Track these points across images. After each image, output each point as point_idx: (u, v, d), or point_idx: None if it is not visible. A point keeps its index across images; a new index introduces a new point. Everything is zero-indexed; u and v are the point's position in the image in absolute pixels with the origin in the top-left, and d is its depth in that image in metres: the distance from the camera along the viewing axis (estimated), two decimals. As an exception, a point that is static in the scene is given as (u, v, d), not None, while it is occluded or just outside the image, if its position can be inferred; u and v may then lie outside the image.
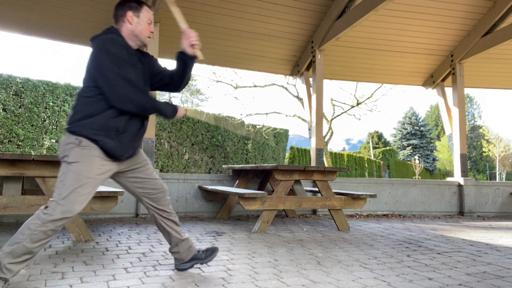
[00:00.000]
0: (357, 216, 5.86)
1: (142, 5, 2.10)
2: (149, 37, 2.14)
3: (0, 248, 1.87)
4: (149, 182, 2.21)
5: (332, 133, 18.02)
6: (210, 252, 2.38)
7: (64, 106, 10.45)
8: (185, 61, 2.20)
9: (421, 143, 41.85)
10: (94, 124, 1.93)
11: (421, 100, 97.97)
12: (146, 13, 2.10)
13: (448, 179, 7.16)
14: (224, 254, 2.88)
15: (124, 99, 1.94)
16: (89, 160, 1.91)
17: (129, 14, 2.06)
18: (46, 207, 1.87)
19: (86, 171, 1.91)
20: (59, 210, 1.84)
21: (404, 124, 43.57)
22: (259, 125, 16.70)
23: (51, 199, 1.89)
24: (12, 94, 9.57)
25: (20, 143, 9.54)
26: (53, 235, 1.87)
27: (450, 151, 7.30)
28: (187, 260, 2.34)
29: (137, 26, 2.08)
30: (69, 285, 2.03)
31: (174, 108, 2.13)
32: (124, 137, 2.01)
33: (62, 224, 1.88)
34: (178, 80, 2.25)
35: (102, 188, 3.50)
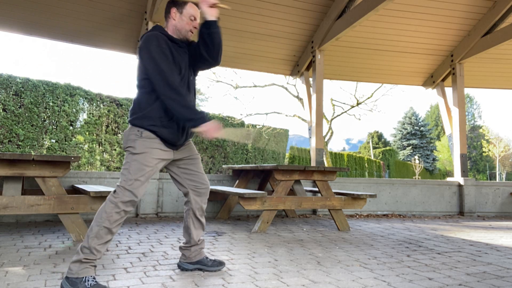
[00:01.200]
0: (357, 216, 5.86)
1: (187, 2, 2.21)
2: (191, 32, 2.26)
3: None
4: (198, 176, 2.36)
5: (332, 133, 18.03)
6: (217, 264, 2.42)
7: (64, 106, 10.45)
8: (210, 30, 2.18)
9: (421, 143, 41.85)
10: (150, 116, 2.10)
11: (421, 100, 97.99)
12: (189, 9, 2.21)
13: (448, 179, 7.16)
14: (224, 254, 2.88)
15: (161, 93, 2.08)
16: (151, 151, 2.11)
17: (173, 10, 2.21)
18: (115, 191, 2.06)
19: (148, 161, 2.10)
20: (127, 194, 2.04)
21: (404, 124, 43.58)
22: (259, 125, 16.70)
23: (117, 184, 2.08)
24: (12, 94, 9.57)
25: (20, 143, 9.54)
26: (125, 216, 2.07)
27: (450, 151, 7.30)
28: (193, 262, 2.39)
29: (179, 22, 2.21)
30: (69, 285, 2.03)
31: (202, 116, 2.08)
32: (175, 124, 2.16)
33: (131, 205, 2.06)
34: (212, 52, 2.24)
35: (102, 188, 3.50)
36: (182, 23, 2.21)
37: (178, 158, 2.32)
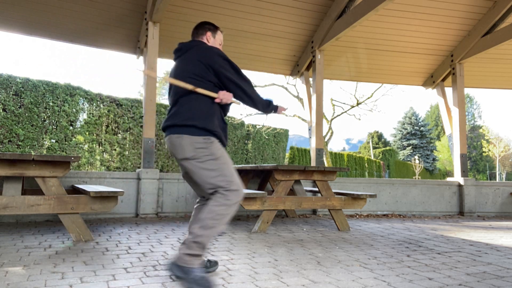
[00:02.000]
0: (357, 216, 5.86)
1: (218, 29, 2.47)
2: None
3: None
4: None
5: (332, 133, 18.03)
6: (214, 263, 2.42)
7: (64, 106, 10.45)
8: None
9: (421, 143, 41.87)
10: (213, 121, 2.22)
11: (421, 100, 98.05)
12: (219, 36, 2.47)
13: (448, 179, 7.16)
14: (224, 254, 2.88)
15: (251, 95, 2.33)
16: (223, 150, 2.26)
17: (208, 34, 2.42)
18: (223, 196, 2.11)
19: (227, 158, 2.24)
20: (237, 194, 2.15)
21: (404, 124, 43.58)
22: (259, 125, 16.70)
23: (221, 192, 2.11)
24: (12, 94, 9.57)
25: (20, 143, 9.55)
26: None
27: (450, 151, 7.30)
28: None
29: (213, 44, 2.42)
30: (69, 285, 2.03)
31: (270, 101, 2.47)
32: (224, 126, 2.35)
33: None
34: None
35: (102, 188, 3.51)
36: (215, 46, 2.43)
37: None
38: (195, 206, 2.44)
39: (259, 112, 2.30)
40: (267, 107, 2.43)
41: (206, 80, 2.21)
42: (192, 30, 2.47)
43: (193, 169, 2.15)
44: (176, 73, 2.29)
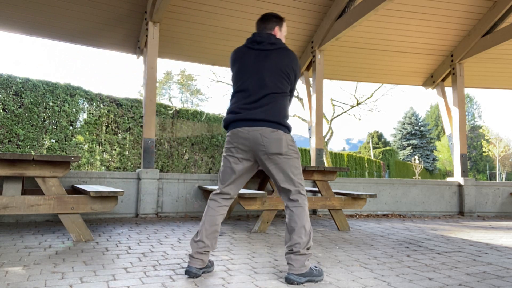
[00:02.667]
0: (357, 216, 5.86)
1: (283, 21, 2.51)
2: None
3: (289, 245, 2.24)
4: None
5: (332, 133, 18.04)
6: (211, 263, 2.41)
7: (64, 106, 10.45)
8: None
9: (421, 143, 41.86)
10: (289, 119, 2.37)
11: (421, 100, 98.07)
12: (285, 28, 2.52)
13: (448, 179, 7.16)
14: (224, 254, 2.88)
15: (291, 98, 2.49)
16: None
17: (277, 28, 2.46)
18: (302, 196, 2.28)
19: None
20: (305, 193, 2.33)
21: (404, 124, 43.59)
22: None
23: (300, 191, 2.27)
24: (12, 94, 9.57)
25: (20, 143, 9.55)
26: None
27: (450, 151, 7.30)
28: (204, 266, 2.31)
29: (280, 37, 2.48)
30: (69, 285, 2.03)
31: None
32: None
33: None
34: None
35: (102, 188, 3.51)
36: (282, 39, 2.50)
37: None
38: (213, 206, 2.33)
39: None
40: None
41: (288, 84, 2.35)
42: (258, 20, 2.48)
43: (281, 164, 2.24)
44: (267, 67, 2.29)
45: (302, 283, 2.15)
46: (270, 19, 2.45)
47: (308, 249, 2.22)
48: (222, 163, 2.39)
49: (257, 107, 2.24)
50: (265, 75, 2.26)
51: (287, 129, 2.29)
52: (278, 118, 2.24)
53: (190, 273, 2.22)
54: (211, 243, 2.27)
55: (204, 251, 2.25)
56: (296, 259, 2.18)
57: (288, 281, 2.17)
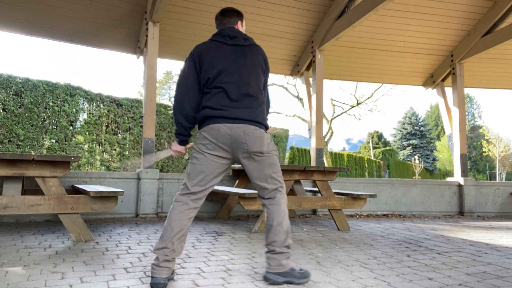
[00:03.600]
0: (357, 216, 5.86)
1: (243, 16, 2.62)
2: None
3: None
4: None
5: (332, 133, 18.04)
6: (173, 271, 2.20)
7: (64, 106, 10.45)
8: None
9: (421, 143, 41.85)
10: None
11: (421, 100, 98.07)
12: (244, 23, 2.62)
13: (448, 179, 7.16)
14: (224, 254, 2.88)
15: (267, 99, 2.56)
16: None
17: (239, 23, 2.54)
18: (281, 193, 2.29)
19: None
20: (285, 191, 2.34)
21: (404, 124, 43.57)
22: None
23: (280, 187, 2.28)
24: (12, 94, 9.57)
25: (20, 143, 9.54)
26: None
27: (450, 151, 7.30)
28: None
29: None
30: (69, 285, 2.03)
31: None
32: None
33: None
34: None
35: (102, 188, 3.50)
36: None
37: None
38: (180, 208, 2.12)
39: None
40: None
41: (263, 79, 2.44)
42: (220, 15, 2.51)
43: (261, 163, 2.23)
44: (247, 64, 2.31)
45: (279, 283, 2.13)
46: (232, 14, 2.50)
47: (286, 247, 2.19)
48: (192, 160, 2.19)
49: (241, 107, 2.20)
50: (245, 73, 2.26)
51: (266, 128, 2.34)
52: (261, 118, 2.27)
53: (158, 285, 1.99)
54: (178, 249, 2.09)
55: (172, 258, 2.07)
56: (273, 257, 2.16)
57: (265, 279, 2.18)
